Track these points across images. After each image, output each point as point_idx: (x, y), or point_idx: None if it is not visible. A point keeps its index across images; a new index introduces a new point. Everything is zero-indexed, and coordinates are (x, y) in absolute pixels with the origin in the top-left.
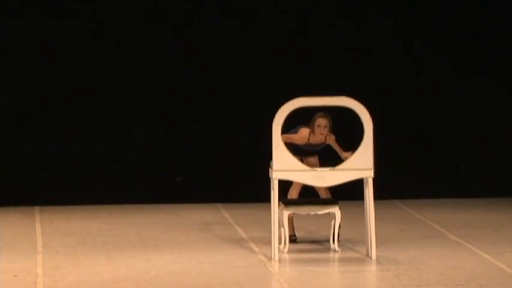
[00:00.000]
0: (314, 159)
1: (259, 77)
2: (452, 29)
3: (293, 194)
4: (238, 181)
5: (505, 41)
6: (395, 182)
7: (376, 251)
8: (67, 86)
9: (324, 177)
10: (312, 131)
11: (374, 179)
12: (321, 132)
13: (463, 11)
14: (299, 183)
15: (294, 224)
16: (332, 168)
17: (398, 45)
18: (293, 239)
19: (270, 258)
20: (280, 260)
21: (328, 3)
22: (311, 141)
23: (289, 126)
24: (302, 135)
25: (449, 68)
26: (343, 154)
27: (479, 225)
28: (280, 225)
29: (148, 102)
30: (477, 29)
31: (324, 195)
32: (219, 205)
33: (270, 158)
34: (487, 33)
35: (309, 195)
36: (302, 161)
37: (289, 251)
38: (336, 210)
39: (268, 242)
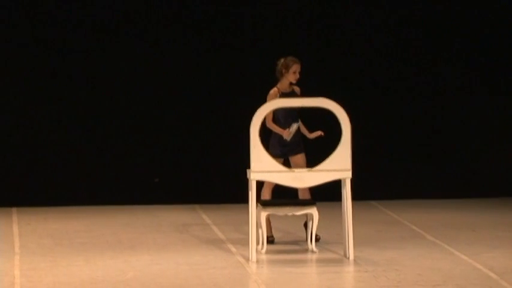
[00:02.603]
0: (301, 159)
1: (237, 78)
2: (432, 24)
3: (265, 193)
4: (216, 182)
5: (472, 30)
6: (373, 183)
7: (354, 251)
8: (43, 87)
9: (302, 178)
10: (283, 78)
11: (352, 180)
12: (295, 78)
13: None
14: (271, 183)
15: (272, 225)
16: (310, 169)
17: (376, 46)
18: (270, 240)
19: (247, 259)
20: (258, 261)
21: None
22: (282, 90)
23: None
24: (272, 98)
25: (427, 68)
26: (310, 135)
27: (457, 226)
28: (258, 226)
29: (126, 103)
30: (458, 20)
31: (303, 195)
32: (196, 206)
33: (248, 159)
34: (465, 25)
35: (285, 195)
36: (288, 161)
37: (267, 252)
38: (313, 211)
39: (246, 243)
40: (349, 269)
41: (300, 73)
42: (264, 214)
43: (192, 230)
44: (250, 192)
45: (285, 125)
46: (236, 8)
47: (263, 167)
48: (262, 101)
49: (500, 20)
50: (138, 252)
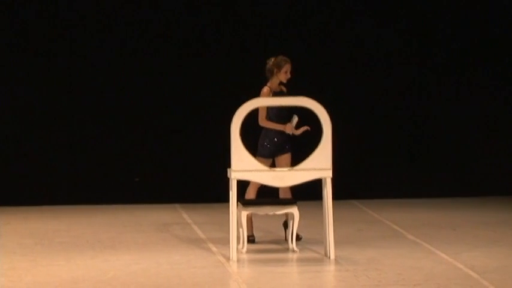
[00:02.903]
0: (286, 159)
1: (218, 78)
2: (422, 19)
3: (250, 193)
4: (197, 181)
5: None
6: (354, 182)
7: (335, 251)
8: (23, 87)
9: (283, 177)
10: (274, 77)
11: (332, 179)
12: (287, 78)
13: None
14: (257, 183)
15: (256, 225)
16: (291, 168)
17: (357, 45)
18: (251, 239)
19: (228, 259)
20: (238, 261)
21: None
22: (273, 89)
23: (248, 126)
24: (265, 96)
25: (411, 66)
26: (296, 131)
27: (437, 225)
28: (239, 225)
29: (106, 103)
30: (451, 16)
31: (284, 194)
32: (177, 205)
33: (229, 158)
34: (458, 21)
35: (268, 194)
36: (274, 162)
37: (247, 252)
38: (294, 210)
39: (226, 242)
40: (330, 268)
41: (291, 73)
42: (244, 213)
43: (172, 230)
44: (230, 192)
45: (280, 123)
46: (217, 7)
47: (244, 166)
48: (244, 100)
49: (497, 17)
50: (119, 251)
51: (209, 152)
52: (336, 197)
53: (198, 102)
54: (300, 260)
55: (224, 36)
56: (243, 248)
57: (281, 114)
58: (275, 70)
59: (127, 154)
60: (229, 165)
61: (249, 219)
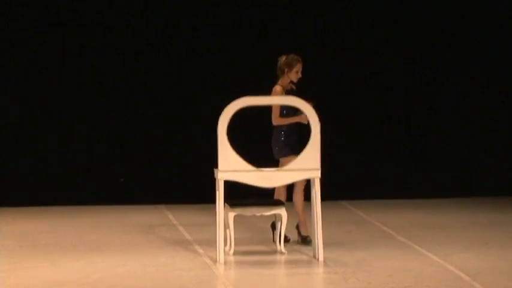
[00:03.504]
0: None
1: (204, 78)
2: (422, 18)
3: (298, 197)
4: (183, 182)
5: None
6: (343, 183)
7: (323, 252)
8: (6, 85)
9: (270, 178)
10: (284, 76)
11: (321, 180)
12: (297, 78)
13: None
14: (302, 185)
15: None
16: (278, 168)
17: (346, 44)
18: (308, 241)
19: (215, 261)
20: (225, 263)
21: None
22: (285, 87)
23: (235, 126)
24: (279, 94)
25: (397, 68)
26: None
27: (428, 226)
28: (226, 226)
29: (90, 102)
30: (452, 14)
31: (278, 195)
32: (162, 206)
33: (216, 158)
34: (460, 20)
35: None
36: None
37: (234, 253)
38: (282, 211)
39: (213, 244)
40: (319, 271)
41: (302, 72)
42: (231, 214)
43: (158, 231)
44: (217, 192)
45: (295, 123)
46: (201, 7)
47: (231, 166)
48: (231, 99)
49: (498, 17)
50: (103, 253)
51: (195, 152)
52: (324, 197)
53: (184, 101)
54: (288, 262)
55: (209, 34)
56: (230, 249)
57: (291, 110)
58: (286, 69)
59: (112, 154)
60: (216, 166)
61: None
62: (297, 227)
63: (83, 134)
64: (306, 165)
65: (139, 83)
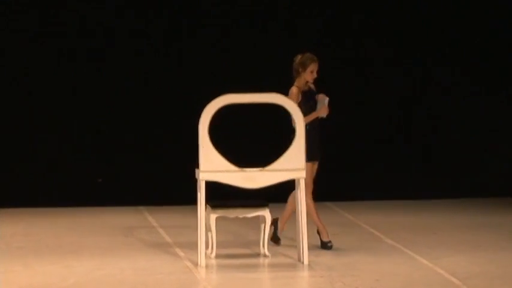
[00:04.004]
0: (316, 167)
1: (184, 77)
2: (422, 18)
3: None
4: (163, 182)
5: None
6: (329, 184)
7: (309, 256)
8: None
9: (254, 178)
10: (299, 76)
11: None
12: (313, 78)
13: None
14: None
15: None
16: (262, 168)
17: (346, 44)
18: (329, 246)
19: (196, 264)
20: (207, 266)
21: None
22: (301, 87)
23: (218, 125)
24: (295, 97)
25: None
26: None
27: (417, 229)
28: (207, 229)
29: (67, 102)
30: (451, 16)
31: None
32: (142, 208)
33: (197, 158)
34: (458, 21)
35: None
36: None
37: (216, 256)
38: (266, 213)
39: (194, 247)
40: (304, 274)
41: (318, 72)
42: (213, 216)
43: (137, 233)
44: (198, 193)
45: (313, 123)
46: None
47: (212, 166)
48: (212, 97)
49: (498, 18)
50: (80, 257)
51: (176, 151)
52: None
53: (164, 100)
54: (272, 266)
55: (188, 33)
56: (211, 252)
57: (309, 109)
58: (300, 69)
59: (89, 153)
60: (197, 166)
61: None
62: (318, 233)
63: (59, 133)
64: (291, 165)
65: (118, 82)
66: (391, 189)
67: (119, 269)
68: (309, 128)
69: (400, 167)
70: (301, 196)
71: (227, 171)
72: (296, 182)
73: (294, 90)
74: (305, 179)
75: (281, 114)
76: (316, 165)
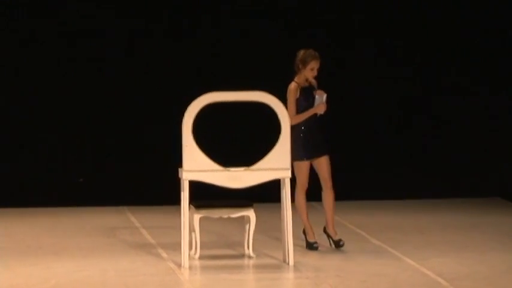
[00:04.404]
0: (325, 162)
1: (166, 76)
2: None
3: (300, 199)
4: (146, 182)
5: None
6: (314, 183)
7: (294, 257)
8: None
9: (239, 178)
10: (301, 74)
11: (291, 180)
12: (313, 75)
13: None
14: (304, 186)
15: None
16: (247, 168)
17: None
18: (315, 247)
19: (179, 266)
20: (190, 267)
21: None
22: (301, 84)
23: (202, 124)
24: (293, 93)
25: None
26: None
27: (404, 229)
28: (191, 229)
29: (48, 101)
30: (450, 16)
31: (325, 176)
32: (124, 208)
33: (180, 157)
34: (455, 21)
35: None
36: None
37: (200, 257)
38: (250, 213)
39: (178, 247)
40: (289, 276)
41: (318, 69)
42: (197, 216)
43: (119, 234)
44: (182, 193)
45: (308, 119)
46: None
47: (196, 166)
48: (196, 95)
49: (496, 18)
50: (62, 258)
51: (159, 150)
52: (295, 198)
53: (147, 98)
54: (257, 267)
55: (173, 30)
56: (195, 253)
57: (309, 107)
58: (300, 66)
59: (71, 152)
60: (181, 165)
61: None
62: (304, 233)
63: (39, 131)
64: (276, 164)
65: (99, 81)
66: (377, 188)
67: (100, 270)
68: (305, 128)
69: (386, 167)
70: (287, 196)
71: (211, 170)
72: (281, 181)
73: (292, 86)
74: (300, 179)
75: (267, 113)
76: (319, 162)
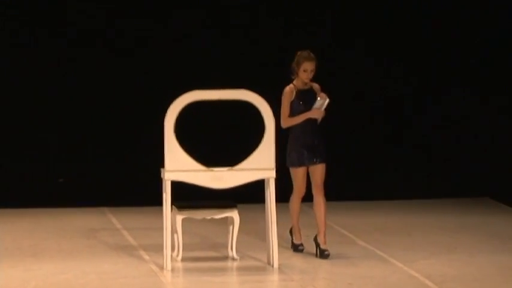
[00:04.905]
0: (320, 171)
1: (148, 75)
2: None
3: (295, 203)
4: (127, 182)
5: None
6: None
7: (279, 259)
8: None
9: (222, 178)
10: (297, 77)
11: (276, 180)
12: (307, 77)
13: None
14: (301, 193)
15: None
16: (230, 168)
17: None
18: (300, 249)
19: (162, 268)
20: (173, 270)
21: None
22: (299, 87)
23: (185, 123)
24: (287, 96)
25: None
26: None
27: (391, 230)
28: (173, 231)
29: (27, 99)
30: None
31: (318, 183)
32: (105, 209)
33: (162, 157)
34: (453, 23)
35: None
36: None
37: (183, 259)
38: (234, 214)
39: (160, 249)
40: (274, 278)
41: (313, 71)
42: (179, 217)
43: (100, 236)
44: (164, 194)
45: (305, 124)
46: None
47: (178, 166)
48: (178, 94)
49: (498, 16)
50: (41, 260)
51: (141, 150)
52: (279, 199)
53: (128, 97)
54: (241, 269)
55: (156, 29)
56: (178, 255)
57: (308, 108)
58: (295, 68)
59: (50, 152)
60: (162, 165)
61: (297, 227)
62: (291, 233)
63: (18, 132)
64: (260, 164)
65: (79, 79)
66: (363, 189)
67: (81, 273)
68: (299, 133)
69: (373, 166)
70: (271, 196)
71: (194, 170)
72: (266, 181)
73: (287, 88)
74: (297, 184)
75: (251, 112)
76: (314, 169)
